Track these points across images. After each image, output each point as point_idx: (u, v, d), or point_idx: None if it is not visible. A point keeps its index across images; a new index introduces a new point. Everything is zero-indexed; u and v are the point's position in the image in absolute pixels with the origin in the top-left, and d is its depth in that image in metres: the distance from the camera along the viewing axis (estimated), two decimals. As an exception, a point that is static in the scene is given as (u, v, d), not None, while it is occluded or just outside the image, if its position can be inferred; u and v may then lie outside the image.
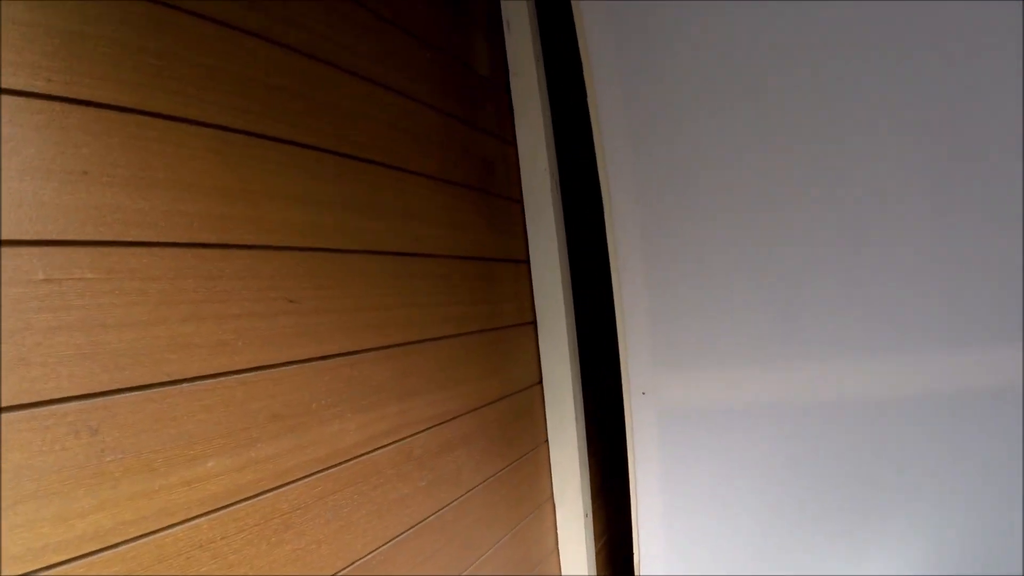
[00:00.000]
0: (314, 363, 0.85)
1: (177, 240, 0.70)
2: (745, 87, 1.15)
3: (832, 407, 1.14)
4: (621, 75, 1.25)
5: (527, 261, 1.43)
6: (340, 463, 0.88)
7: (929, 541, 1.13)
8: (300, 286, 0.84)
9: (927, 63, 0.99)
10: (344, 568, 0.88)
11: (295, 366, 0.82)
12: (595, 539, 1.59)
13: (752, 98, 1.15)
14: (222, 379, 0.73)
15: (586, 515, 1.48)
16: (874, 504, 1.15)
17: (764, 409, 1.20)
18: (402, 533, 0.99)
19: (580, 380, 1.46)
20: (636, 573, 1.39)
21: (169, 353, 0.68)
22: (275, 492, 0.78)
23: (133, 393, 0.64)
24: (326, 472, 0.85)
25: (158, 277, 0.67)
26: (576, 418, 1.44)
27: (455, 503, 1.12)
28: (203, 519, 0.69)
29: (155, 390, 0.66)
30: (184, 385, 0.69)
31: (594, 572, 1.54)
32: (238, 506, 0.73)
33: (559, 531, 1.51)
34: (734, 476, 1.24)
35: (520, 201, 1.42)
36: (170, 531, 0.66)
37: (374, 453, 0.94)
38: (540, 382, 1.44)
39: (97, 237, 0.62)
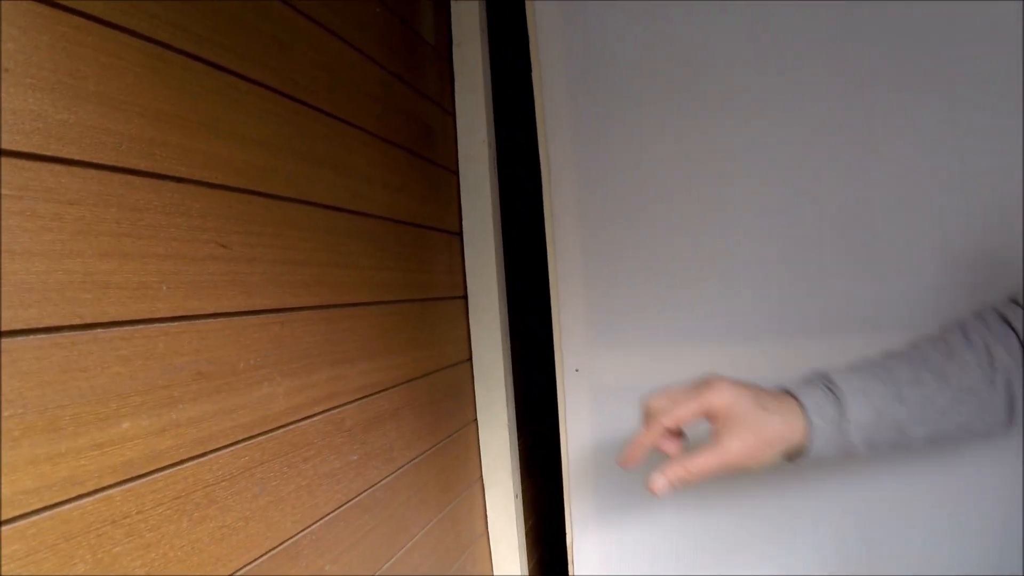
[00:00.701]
0: (243, 317, 0.77)
1: (103, 162, 0.61)
2: (695, 72, 1.13)
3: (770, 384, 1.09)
4: (568, 52, 1.21)
5: (460, 234, 1.37)
6: (268, 431, 0.80)
7: (861, 524, 1.13)
8: (231, 230, 0.76)
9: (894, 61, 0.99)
10: (273, 548, 0.80)
11: (223, 319, 0.74)
12: (525, 520, 1.54)
13: (700, 84, 1.13)
14: (142, 327, 0.64)
15: (516, 496, 1.44)
16: (806, 480, 1.15)
17: None
18: (333, 511, 0.92)
19: (511, 359, 1.41)
20: (569, 553, 1.33)
21: (83, 292, 0.59)
22: (198, 461, 0.70)
23: (38, 336, 0.54)
24: (253, 441, 0.77)
25: (77, 202, 0.58)
26: (507, 398, 1.39)
27: (386, 481, 1.05)
28: (116, 490, 0.61)
29: (64, 334, 0.57)
30: (99, 331, 0.60)
31: (524, 554, 1.49)
32: (156, 475, 0.65)
33: (488, 513, 1.45)
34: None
35: (456, 172, 1.37)
36: (78, 503, 0.57)
37: (304, 422, 0.86)
38: (470, 359, 1.38)
39: (11, 146, 0.52)
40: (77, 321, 0.58)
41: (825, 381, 0.83)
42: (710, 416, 0.81)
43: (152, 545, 0.64)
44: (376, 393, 1.03)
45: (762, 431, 0.79)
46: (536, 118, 1.23)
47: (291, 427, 0.84)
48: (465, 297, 1.37)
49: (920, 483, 1.10)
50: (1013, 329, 0.80)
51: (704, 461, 0.80)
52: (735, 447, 0.79)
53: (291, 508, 0.83)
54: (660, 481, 0.82)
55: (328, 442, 0.90)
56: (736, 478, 1.16)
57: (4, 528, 0.51)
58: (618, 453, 1.21)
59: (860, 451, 0.82)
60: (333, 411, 0.92)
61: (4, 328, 0.52)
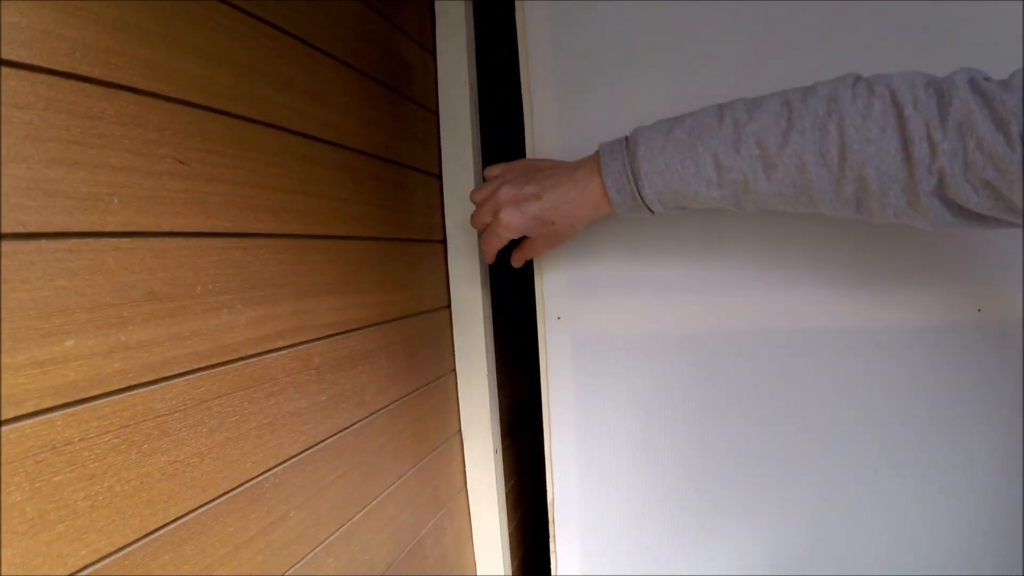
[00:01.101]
0: (202, 239, 0.72)
1: (55, 67, 0.56)
2: (687, 10, 1.08)
3: (754, 338, 1.11)
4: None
5: (440, 176, 1.32)
6: (227, 362, 0.75)
7: (846, 479, 1.11)
8: (191, 147, 0.71)
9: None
10: (232, 489, 0.75)
11: (180, 239, 0.69)
12: (507, 478, 1.50)
13: (692, 23, 1.08)
14: (91, 240, 0.59)
15: (496, 451, 1.40)
16: (793, 432, 1.12)
17: (682, 339, 1.15)
18: (299, 454, 0.87)
19: (491, 307, 1.36)
20: (550, 513, 1.30)
21: (28, 199, 0.54)
22: (148, 388, 0.65)
23: (-24, 242, 0.50)
24: (210, 371, 0.72)
25: (26, 106, 0.53)
26: (487, 348, 1.34)
27: (357, 426, 1.00)
28: (58, 413, 0.56)
29: (6, 242, 0.52)
30: (43, 241, 0.55)
31: (505, 513, 1.46)
32: (102, 401, 0.60)
33: (467, 468, 1.42)
34: (648, 406, 1.19)
35: (436, 113, 1.31)
36: (15, 425, 0.52)
37: (267, 356, 0.81)
38: (448, 306, 1.34)
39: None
40: (20, 229, 0.53)
41: (631, 158, 0.90)
42: (515, 238, 1.02)
43: (96, 477, 0.59)
44: (347, 332, 0.98)
45: (549, 239, 1.03)
46: (520, 62, 1.18)
47: (253, 360, 0.79)
48: (444, 242, 1.32)
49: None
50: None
51: (526, 253, 1.09)
52: (538, 245, 1.05)
53: (252, 447, 0.78)
54: (514, 261, 1.12)
55: (294, 379, 0.86)
56: (720, 444, 1.16)
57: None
58: (601, 407, 1.20)
59: (669, 212, 0.93)
60: (299, 347, 0.87)
61: None
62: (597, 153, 0.94)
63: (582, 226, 1.00)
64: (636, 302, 1.17)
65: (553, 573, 1.36)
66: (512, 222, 0.98)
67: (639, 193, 0.90)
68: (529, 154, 1.20)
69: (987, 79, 0.72)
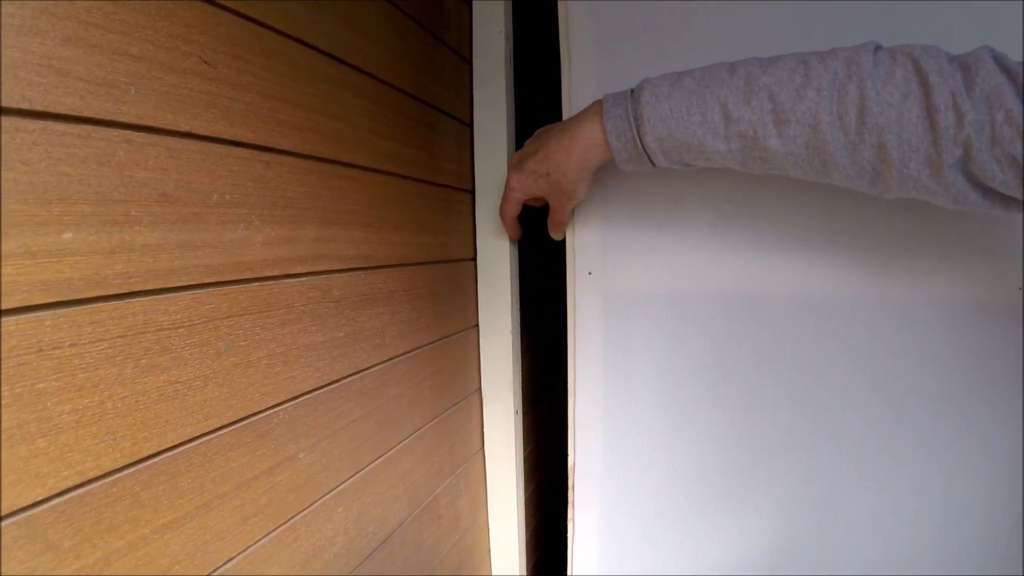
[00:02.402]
0: (222, 146, 0.66)
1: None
2: None
3: (786, 302, 1.07)
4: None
5: (471, 125, 1.27)
6: (240, 280, 0.69)
7: (872, 445, 1.07)
8: (218, 49, 0.65)
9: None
10: (238, 420, 0.70)
11: (198, 141, 0.63)
12: (525, 443, 1.45)
13: None
14: (102, 129, 0.54)
15: (517, 412, 1.35)
16: (821, 398, 1.08)
17: (709, 299, 1.11)
18: (313, 391, 0.81)
19: (518, 261, 1.31)
20: (570, 477, 1.27)
21: (37, 75, 0.48)
22: (152, 297, 0.59)
23: (-25, 115, 0.44)
24: (222, 288, 0.67)
25: (45, -19, 0.48)
26: (512, 304, 1.30)
27: (376, 369, 0.95)
28: (48, 312, 0.50)
29: (9, 118, 0.46)
30: (48, 122, 0.49)
31: (522, 476, 1.41)
32: (99, 304, 0.54)
33: (486, 429, 1.37)
34: (675, 366, 1.15)
35: (470, 62, 1.26)
36: (-3, 320, 0.46)
37: (284, 280, 0.76)
38: (474, 259, 1.29)
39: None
40: (25, 105, 0.48)
41: (635, 103, 0.86)
42: (526, 198, 1.04)
43: (86, 389, 0.53)
44: (370, 268, 0.92)
45: (556, 196, 1.01)
46: (559, 15, 1.15)
47: (268, 282, 0.73)
48: (472, 192, 1.27)
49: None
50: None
51: (552, 216, 1.08)
52: (553, 206, 1.05)
53: (262, 377, 0.73)
54: (553, 235, 1.13)
55: (311, 310, 0.80)
56: (744, 408, 1.12)
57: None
58: (628, 367, 1.15)
59: (673, 166, 0.90)
60: (319, 276, 0.82)
61: None
62: (599, 101, 0.91)
63: (577, 175, 0.97)
64: (667, 259, 1.14)
65: (570, 539, 1.32)
66: (514, 182, 1.01)
67: (640, 140, 0.86)
68: (566, 112, 1.16)
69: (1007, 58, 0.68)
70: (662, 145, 0.85)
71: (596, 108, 0.91)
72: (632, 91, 0.88)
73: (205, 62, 0.64)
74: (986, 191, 0.71)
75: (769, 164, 0.82)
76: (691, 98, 0.81)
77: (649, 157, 0.88)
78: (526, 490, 1.52)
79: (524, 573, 1.49)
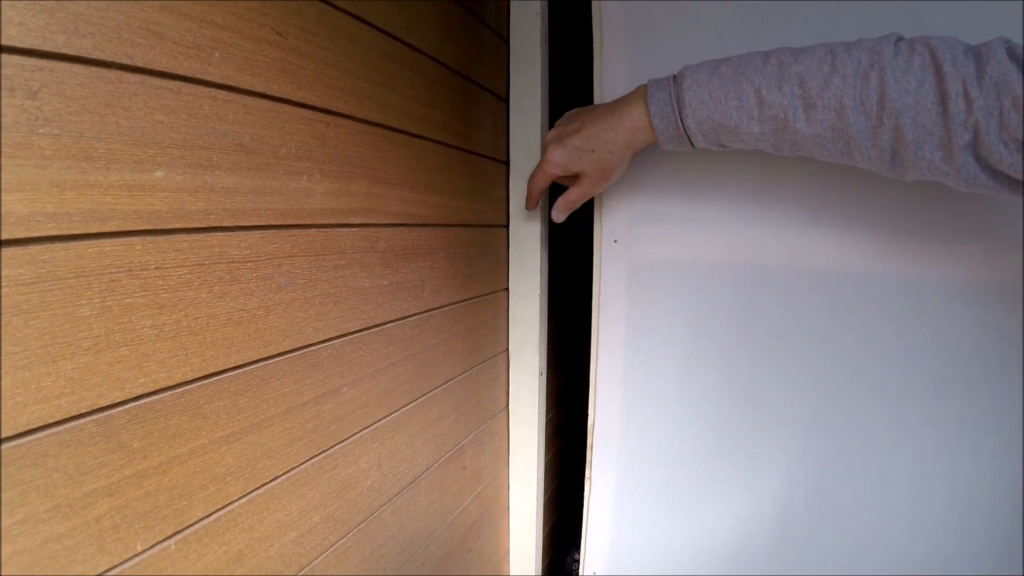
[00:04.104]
0: (290, 106, 0.75)
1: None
2: None
3: (803, 277, 1.11)
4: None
5: (507, 100, 1.34)
6: (302, 225, 0.78)
7: (886, 418, 1.10)
8: (289, 22, 0.74)
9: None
10: (292, 350, 0.78)
11: (270, 101, 0.72)
12: (547, 408, 1.52)
13: None
14: (190, 85, 0.62)
15: (541, 373, 1.42)
16: (834, 370, 1.12)
17: (731, 270, 1.16)
18: (359, 331, 0.90)
19: (548, 228, 1.39)
20: (589, 438, 1.33)
21: (138, 36, 0.57)
22: (227, 233, 0.67)
23: (87, 67, 0.53)
24: (285, 230, 0.75)
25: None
26: (541, 270, 1.37)
27: (415, 318, 1.03)
28: (138, 238, 0.58)
29: (112, 71, 0.55)
30: (147, 77, 0.58)
31: (544, 435, 1.48)
32: (182, 235, 0.63)
33: (511, 389, 1.45)
34: (695, 335, 1.20)
35: (507, 40, 1.33)
36: (96, 241, 0.55)
37: (339, 229, 0.84)
38: (507, 225, 1.36)
39: None
40: (127, 61, 0.56)
41: (676, 86, 0.93)
42: (560, 174, 1.08)
43: (166, 307, 0.62)
44: (413, 225, 1.00)
45: (594, 174, 1.05)
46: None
47: (325, 229, 0.81)
48: (507, 163, 1.34)
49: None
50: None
51: (572, 195, 1.11)
52: (587, 185, 1.08)
53: (315, 313, 0.81)
54: (555, 213, 1.15)
55: (360, 258, 0.88)
56: (759, 378, 1.16)
57: (12, 248, 0.48)
58: (648, 331, 1.21)
59: (710, 147, 0.96)
60: (368, 228, 0.90)
61: (53, 50, 0.50)
62: (644, 86, 0.98)
63: (621, 155, 1.03)
64: (689, 232, 1.19)
65: (586, 499, 1.38)
66: (555, 157, 1.05)
67: (682, 122, 0.93)
68: (597, 92, 1.22)
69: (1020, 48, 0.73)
70: (702, 127, 0.92)
71: (641, 92, 0.98)
72: (674, 77, 0.94)
73: (277, 32, 0.72)
74: (995, 174, 0.77)
75: (798, 146, 0.88)
76: (728, 84, 0.88)
77: (689, 138, 0.95)
78: (547, 453, 1.59)
79: (541, 530, 1.57)
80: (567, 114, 1.10)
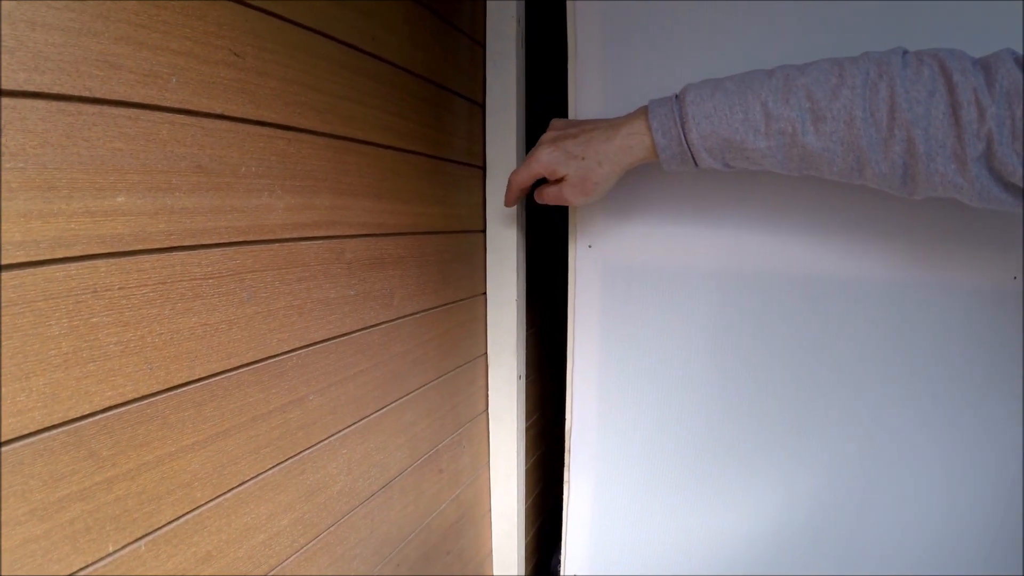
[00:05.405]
0: (249, 126, 0.80)
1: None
2: None
3: (780, 279, 1.14)
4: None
5: (483, 105, 1.38)
6: (262, 240, 0.83)
7: (862, 432, 1.14)
8: (246, 42, 0.79)
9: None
10: (256, 361, 0.84)
11: (229, 122, 0.77)
12: (529, 413, 1.57)
13: None
14: (148, 112, 0.68)
15: (520, 377, 1.47)
16: (816, 372, 1.15)
17: (707, 274, 1.19)
18: (324, 340, 0.95)
19: (525, 232, 1.43)
20: (567, 442, 1.38)
21: (95, 69, 0.62)
22: (187, 252, 0.73)
23: (48, 101, 0.58)
24: (246, 246, 0.81)
25: (100, -8, 0.62)
26: (518, 274, 1.41)
27: (383, 327, 1.09)
28: (102, 261, 0.64)
29: (72, 103, 0.60)
30: (105, 107, 0.63)
31: (523, 437, 1.54)
32: (144, 256, 0.68)
33: (490, 392, 1.50)
34: (672, 338, 1.23)
35: (483, 44, 1.36)
36: (62, 265, 0.61)
37: (301, 242, 0.89)
38: (484, 231, 1.40)
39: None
40: (86, 94, 0.61)
41: (679, 102, 0.92)
42: (545, 175, 1.06)
43: (130, 324, 0.68)
44: (380, 235, 1.05)
45: (577, 182, 1.03)
46: (567, 9, 1.22)
47: (287, 243, 0.87)
48: (483, 168, 1.38)
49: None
50: None
51: (547, 189, 1.08)
52: (566, 191, 1.05)
53: (279, 325, 0.87)
54: (535, 194, 1.12)
55: (325, 269, 0.93)
56: (738, 382, 1.20)
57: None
58: (625, 336, 1.25)
59: (715, 166, 0.94)
60: (333, 240, 0.95)
61: (17, 88, 0.56)
62: (646, 105, 0.98)
63: (611, 168, 1.01)
64: (666, 235, 1.21)
65: (565, 501, 1.43)
66: (544, 156, 1.04)
67: (685, 137, 0.91)
68: (571, 93, 1.24)
69: None
70: (706, 143, 0.89)
71: (642, 109, 0.96)
72: (676, 95, 0.94)
73: (235, 54, 0.78)
74: (1008, 187, 0.77)
75: (807, 162, 0.88)
76: (733, 97, 0.87)
77: (692, 155, 0.92)
78: (530, 457, 1.64)
79: (524, 533, 1.62)
80: (568, 120, 1.11)
